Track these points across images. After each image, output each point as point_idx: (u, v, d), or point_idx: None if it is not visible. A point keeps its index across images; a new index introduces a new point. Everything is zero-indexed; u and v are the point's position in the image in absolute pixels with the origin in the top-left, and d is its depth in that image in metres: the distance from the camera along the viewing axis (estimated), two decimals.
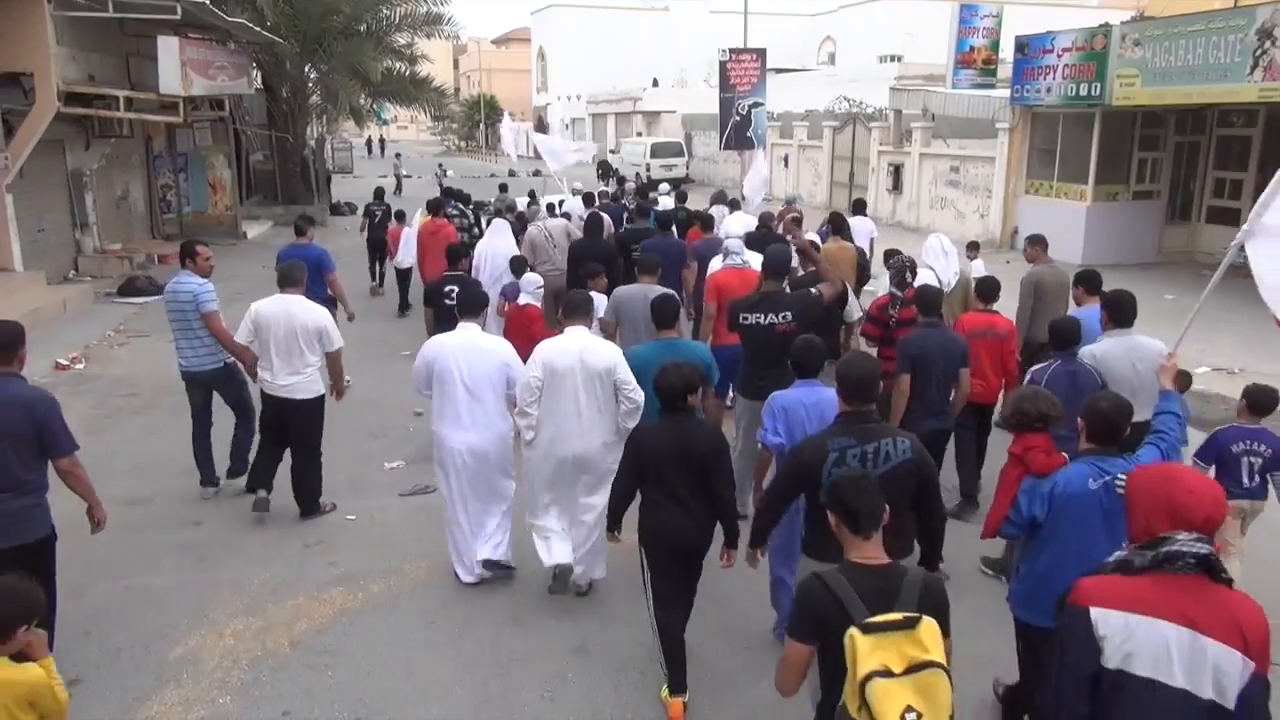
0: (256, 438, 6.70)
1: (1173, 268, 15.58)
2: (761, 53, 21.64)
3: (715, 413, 5.74)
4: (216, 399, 6.88)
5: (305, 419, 6.28)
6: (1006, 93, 17.86)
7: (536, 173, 29.14)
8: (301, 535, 6.26)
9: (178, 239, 19.31)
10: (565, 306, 5.46)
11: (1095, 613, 2.45)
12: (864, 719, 2.53)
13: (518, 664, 4.82)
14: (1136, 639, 2.41)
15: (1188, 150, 16.44)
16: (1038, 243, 7.60)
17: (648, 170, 30.50)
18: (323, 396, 6.37)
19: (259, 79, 23.41)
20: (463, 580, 5.59)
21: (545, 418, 5.07)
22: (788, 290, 6.11)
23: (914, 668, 2.53)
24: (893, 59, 31.94)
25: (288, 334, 6.08)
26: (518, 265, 8.89)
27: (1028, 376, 5.47)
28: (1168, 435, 3.76)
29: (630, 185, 17.31)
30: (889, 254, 7.74)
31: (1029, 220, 17.56)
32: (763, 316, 5.83)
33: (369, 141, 59.69)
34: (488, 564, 5.54)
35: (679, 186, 16.12)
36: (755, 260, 6.80)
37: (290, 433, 6.30)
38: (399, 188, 29.64)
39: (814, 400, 4.46)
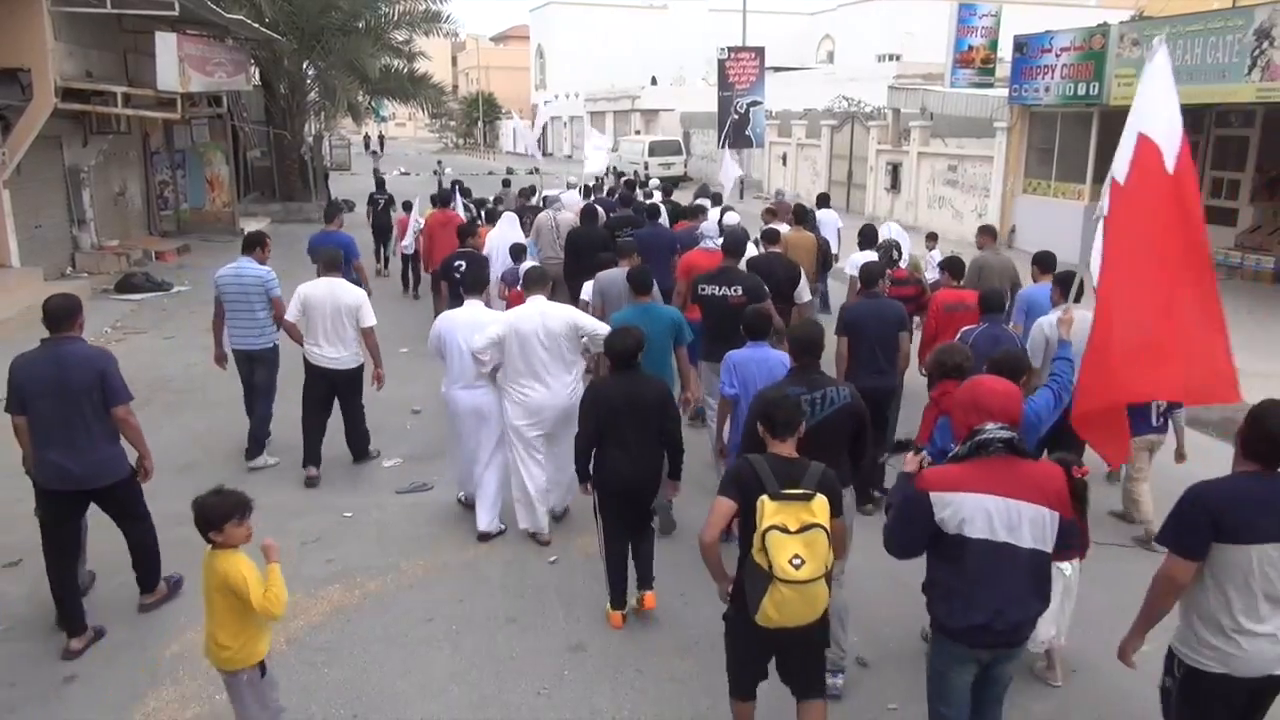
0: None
1: None
2: (760, 51, 21.69)
3: (687, 368, 6.39)
4: None
5: (351, 385, 7.16)
6: (1005, 92, 17.87)
7: (535, 170, 29.15)
8: (299, 533, 6.26)
9: (175, 236, 19.38)
10: (524, 279, 6.32)
11: (933, 496, 3.25)
12: (760, 559, 3.40)
13: (514, 662, 4.82)
14: (966, 510, 3.22)
15: None
16: (986, 232, 8.84)
17: (646, 169, 30.45)
18: (362, 366, 7.14)
19: (257, 76, 23.40)
20: (463, 501, 6.57)
21: (519, 371, 5.87)
22: (743, 268, 7.08)
23: (804, 528, 3.38)
24: (891, 58, 31.92)
25: (334, 312, 6.85)
26: (517, 253, 9.43)
27: (958, 335, 6.14)
28: (1060, 378, 4.40)
29: (627, 178, 17.96)
30: (865, 234, 9.43)
31: (1027, 219, 17.58)
32: (718, 288, 6.79)
33: (366, 138, 59.67)
34: (484, 536, 6.18)
35: (664, 183, 17.03)
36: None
37: (340, 396, 7.17)
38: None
39: (762, 358, 5.42)
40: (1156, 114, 4.32)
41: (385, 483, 7.13)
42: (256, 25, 19.47)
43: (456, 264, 8.64)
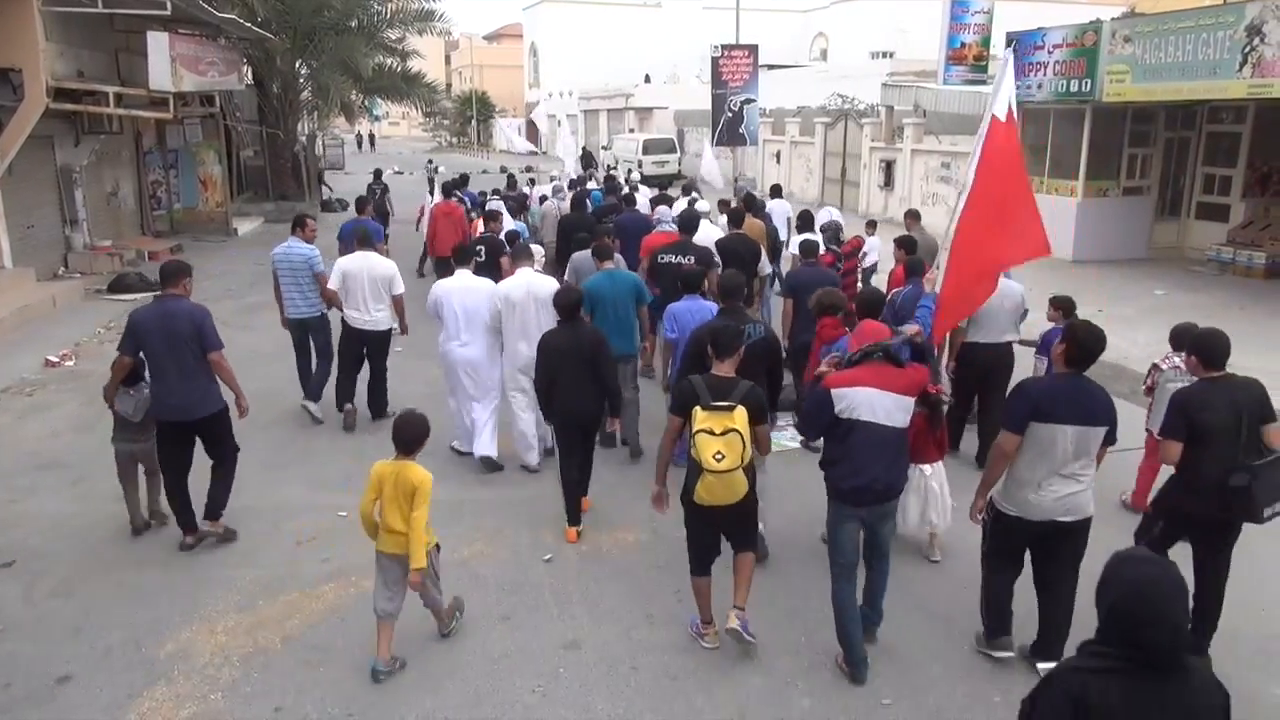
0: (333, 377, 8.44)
1: (1163, 263, 15.64)
2: (754, 49, 21.62)
3: (646, 321, 7.63)
4: None
5: (380, 345, 8.28)
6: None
7: (528, 168, 29.18)
8: (294, 532, 6.26)
9: (168, 236, 19.32)
10: (513, 253, 7.58)
11: (834, 391, 4.44)
12: (694, 454, 4.41)
13: (510, 660, 4.83)
14: (854, 400, 4.40)
15: (1177, 146, 16.49)
16: (912, 215, 10.55)
17: (640, 167, 30.41)
18: (391, 330, 8.27)
19: (250, 75, 23.29)
20: (460, 450, 7.46)
21: (512, 331, 7.01)
22: (695, 242, 8.55)
23: (725, 431, 4.35)
24: (884, 55, 31.96)
25: (370, 281, 7.94)
26: (510, 239, 10.43)
27: (889, 296, 7.22)
28: (921, 320, 6.20)
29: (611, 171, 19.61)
30: (821, 222, 11.04)
31: None
32: (674, 257, 8.20)
33: (359, 137, 59.56)
34: (485, 460, 7.23)
35: (660, 181, 18.79)
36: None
37: (369, 355, 8.28)
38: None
39: (697, 308, 6.67)
40: (1001, 101, 6.06)
41: None
42: (249, 24, 19.40)
43: (478, 247, 9.94)
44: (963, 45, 21.04)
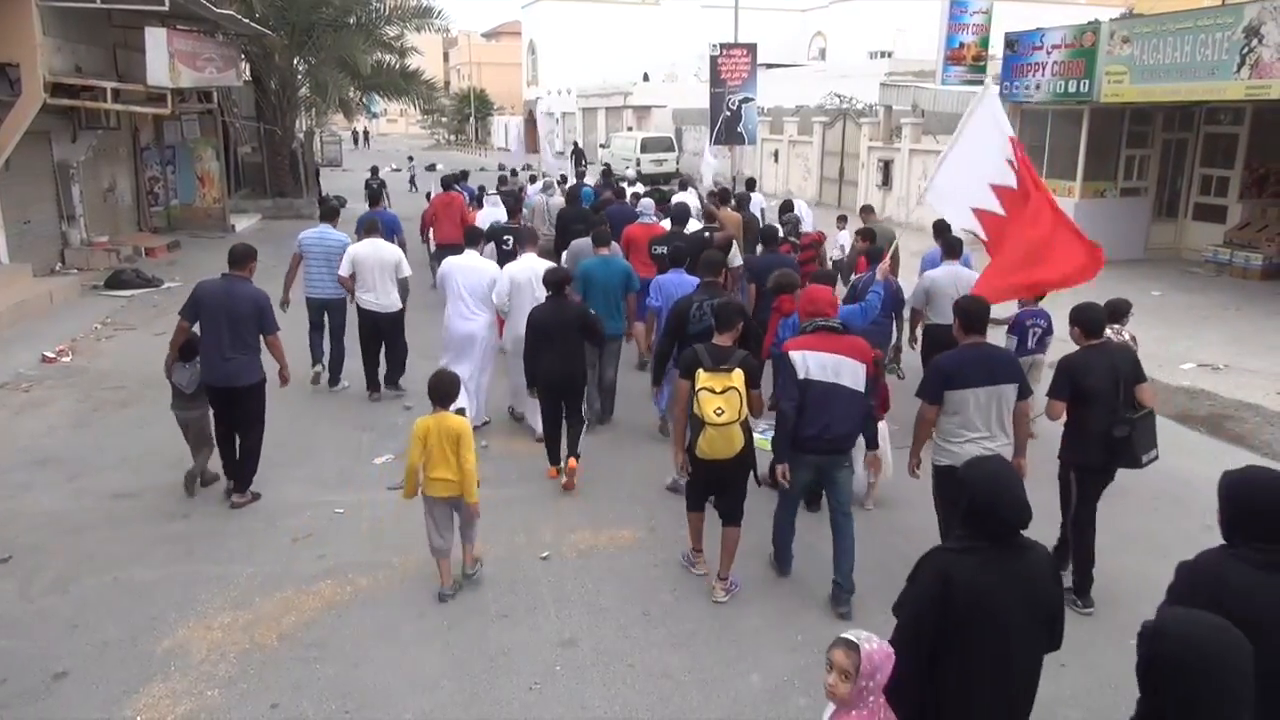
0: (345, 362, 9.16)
1: (1160, 264, 15.66)
2: (752, 48, 21.66)
3: (633, 308, 8.10)
4: None
5: (393, 325, 8.83)
6: (996, 89, 17.89)
7: (527, 166, 29.15)
8: (290, 529, 6.26)
9: (165, 232, 19.29)
10: (519, 239, 8.57)
11: (793, 354, 5.08)
12: (697, 411, 5.03)
13: (506, 657, 4.83)
14: (811, 362, 5.04)
15: (1175, 147, 16.52)
16: (867, 209, 11.68)
17: (638, 165, 30.38)
18: (402, 310, 8.82)
19: (248, 71, 23.23)
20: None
21: (519, 308, 7.49)
22: (685, 231, 9.36)
23: (724, 390, 4.99)
24: (883, 55, 31.97)
25: (380, 266, 8.53)
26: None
27: (850, 281, 8.26)
28: (869, 302, 6.77)
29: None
30: (781, 208, 12.55)
31: None
32: (666, 247, 8.61)
33: (354, 133, 59.48)
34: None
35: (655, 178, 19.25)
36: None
37: (384, 335, 8.81)
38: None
39: (679, 281, 7.52)
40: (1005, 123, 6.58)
41: (377, 479, 7.12)
42: (247, 20, 19.37)
43: (504, 236, 10.55)
44: (961, 45, 21.05)
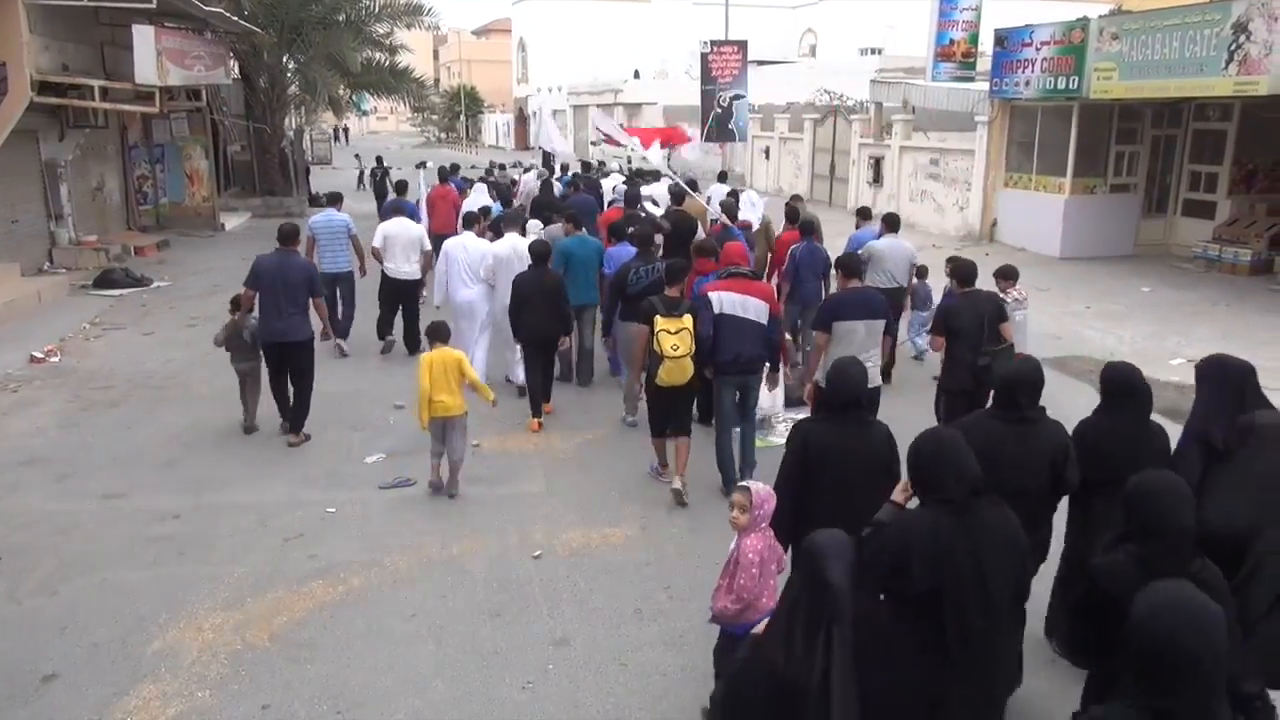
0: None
1: (1149, 260, 15.72)
2: (743, 45, 21.63)
3: (602, 284, 9.00)
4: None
5: (413, 292, 10.42)
6: (985, 86, 17.92)
7: (517, 163, 29.13)
8: (281, 529, 6.23)
9: (154, 231, 19.21)
10: (504, 220, 9.93)
11: (711, 295, 6.40)
12: (656, 348, 6.37)
13: (498, 656, 4.82)
14: (725, 301, 6.35)
15: (1164, 143, 16.56)
16: (797, 198, 12.35)
17: (629, 162, 30.34)
18: (421, 280, 10.47)
19: (236, 69, 23.12)
20: None
21: (502, 281, 8.60)
22: (643, 215, 10.94)
23: (678, 330, 6.34)
24: (873, 52, 32.05)
25: (407, 241, 10.22)
26: (485, 211, 11.69)
27: (788, 252, 9.49)
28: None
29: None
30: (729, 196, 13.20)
31: (1008, 212, 17.66)
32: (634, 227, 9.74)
33: (335, 130, 59.19)
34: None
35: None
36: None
37: (403, 301, 10.37)
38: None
39: (622, 251, 8.88)
40: None
41: (368, 479, 7.10)
42: (235, 18, 19.26)
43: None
44: (951, 42, 21.08)
